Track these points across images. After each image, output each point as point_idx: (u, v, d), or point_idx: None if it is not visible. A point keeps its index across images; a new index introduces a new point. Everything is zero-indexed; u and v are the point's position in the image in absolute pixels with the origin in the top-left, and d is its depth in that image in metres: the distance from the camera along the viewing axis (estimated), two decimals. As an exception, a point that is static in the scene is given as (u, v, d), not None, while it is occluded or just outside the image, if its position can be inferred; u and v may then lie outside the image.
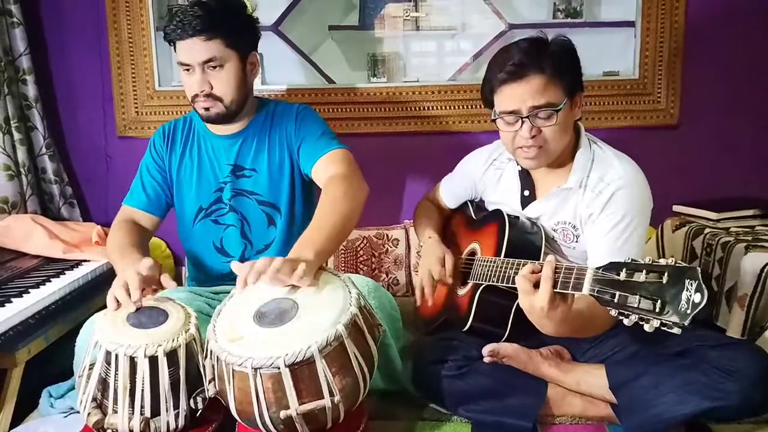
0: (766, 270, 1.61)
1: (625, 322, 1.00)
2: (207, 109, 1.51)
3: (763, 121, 2.19)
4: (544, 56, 1.36)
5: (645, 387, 1.30)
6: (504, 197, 1.59)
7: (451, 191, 1.78)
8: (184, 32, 1.44)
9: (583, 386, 1.40)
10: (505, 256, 1.41)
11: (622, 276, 1.02)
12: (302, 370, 1.07)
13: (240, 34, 1.51)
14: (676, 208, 2.15)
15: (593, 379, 1.39)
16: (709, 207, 2.02)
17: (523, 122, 1.37)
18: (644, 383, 1.30)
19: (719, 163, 2.21)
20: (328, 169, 1.47)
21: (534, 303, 1.13)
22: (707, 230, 1.92)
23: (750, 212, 2.00)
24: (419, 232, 1.78)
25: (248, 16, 1.56)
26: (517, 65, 1.35)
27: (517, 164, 1.53)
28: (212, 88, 1.49)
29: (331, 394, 1.08)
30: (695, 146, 2.21)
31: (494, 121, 1.44)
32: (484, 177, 1.65)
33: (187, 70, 1.49)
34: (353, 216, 1.37)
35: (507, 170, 1.59)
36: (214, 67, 1.47)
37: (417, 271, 1.91)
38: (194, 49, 1.45)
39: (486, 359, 1.41)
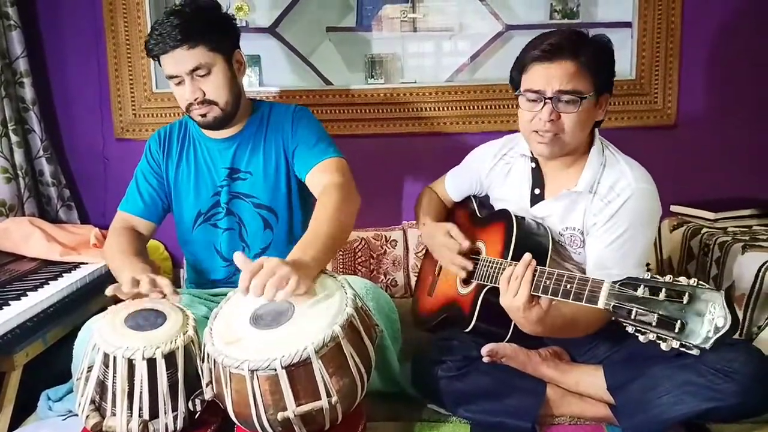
0: (763, 269, 1.61)
1: (641, 338, 1.00)
2: (204, 115, 1.50)
3: (760, 121, 2.19)
4: (582, 45, 1.35)
5: (643, 388, 1.30)
6: (511, 193, 1.57)
7: (456, 185, 1.76)
8: (165, 45, 1.43)
9: (581, 387, 1.40)
10: (511, 258, 1.40)
11: (640, 293, 1.01)
12: (299, 371, 1.07)
13: (220, 36, 1.49)
14: (673, 208, 2.15)
15: (591, 379, 1.39)
16: (706, 207, 2.03)
17: (545, 104, 1.35)
18: (642, 384, 1.30)
19: (716, 163, 2.21)
20: (323, 177, 1.47)
21: (512, 303, 1.21)
22: (705, 230, 1.92)
23: (747, 212, 2.01)
24: (419, 217, 1.76)
25: (224, 15, 1.54)
26: (554, 45, 1.35)
27: (531, 160, 1.51)
28: (205, 94, 1.48)
29: (329, 395, 1.08)
30: (692, 146, 2.21)
31: (517, 96, 1.42)
32: (491, 173, 1.63)
33: (176, 81, 1.48)
34: (348, 227, 1.40)
35: (516, 165, 1.57)
36: (203, 74, 1.46)
37: (421, 261, 1.90)
38: (179, 59, 1.44)
39: (485, 359, 1.41)
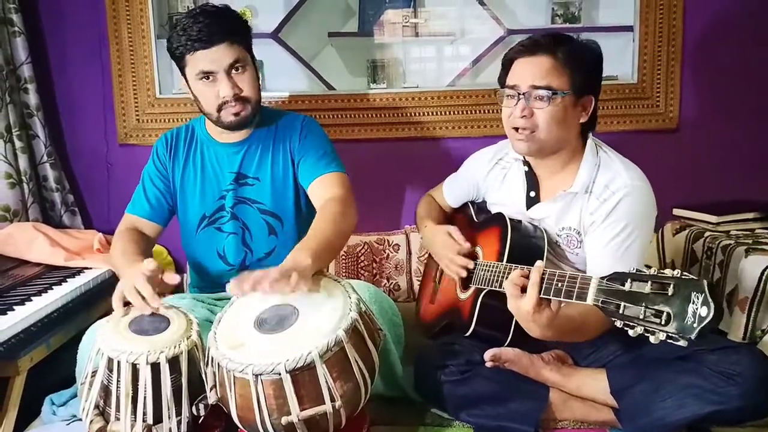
0: (766, 273, 1.61)
1: (630, 333, 1.00)
2: (237, 114, 1.50)
3: (761, 124, 2.20)
4: (562, 43, 1.39)
5: (646, 391, 1.30)
6: (508, 197, 1.58)
7: (454, 192, 1.78)
8: (209, 42, 1.44)
9: (584, 391, 1.40)
10: (507, 261, 1.41)
11: (627, 287, 1.01)
12: (303, 375, 1.07)
13: (249, 37, 1.55)
14: (676, 211, 2.16)
15: (595, 383, 1.39)
16: (709, 210, 2.03)
17: (519, 100, 1.39)
18: (645, 388, 1.30)
19: (719, 167, 2.21)
20: (328, 189, 1.49)
21: (520, 307, 1.18)
22: (707, 233, 1.92)
23: (750, 215, 2.01)
24: (419, 223, 1.78)
25: (244, 19, 1.57)
26: (533, 42, 1.40)
27: (523, 163, 1.52)
28: (242, 91, 1.49)
29: (332, 399, 1.09)
30: (695, 150, 2.21)
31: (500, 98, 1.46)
32: (487, 177, 1.65)
33: (208, 78, 1.47)
34: (345, 236, 1.44)
35: (512, 170, 1.59)
36: (239, 70, 1.48)
37: (425, 266, 1.91)
38: (221, 54, 1.45)
39: (488, 364, 1.41)
